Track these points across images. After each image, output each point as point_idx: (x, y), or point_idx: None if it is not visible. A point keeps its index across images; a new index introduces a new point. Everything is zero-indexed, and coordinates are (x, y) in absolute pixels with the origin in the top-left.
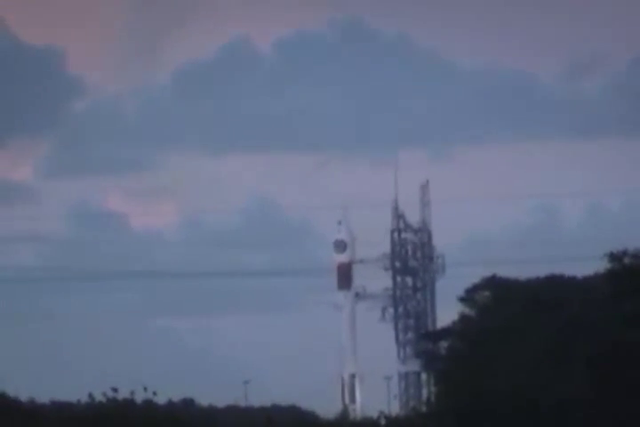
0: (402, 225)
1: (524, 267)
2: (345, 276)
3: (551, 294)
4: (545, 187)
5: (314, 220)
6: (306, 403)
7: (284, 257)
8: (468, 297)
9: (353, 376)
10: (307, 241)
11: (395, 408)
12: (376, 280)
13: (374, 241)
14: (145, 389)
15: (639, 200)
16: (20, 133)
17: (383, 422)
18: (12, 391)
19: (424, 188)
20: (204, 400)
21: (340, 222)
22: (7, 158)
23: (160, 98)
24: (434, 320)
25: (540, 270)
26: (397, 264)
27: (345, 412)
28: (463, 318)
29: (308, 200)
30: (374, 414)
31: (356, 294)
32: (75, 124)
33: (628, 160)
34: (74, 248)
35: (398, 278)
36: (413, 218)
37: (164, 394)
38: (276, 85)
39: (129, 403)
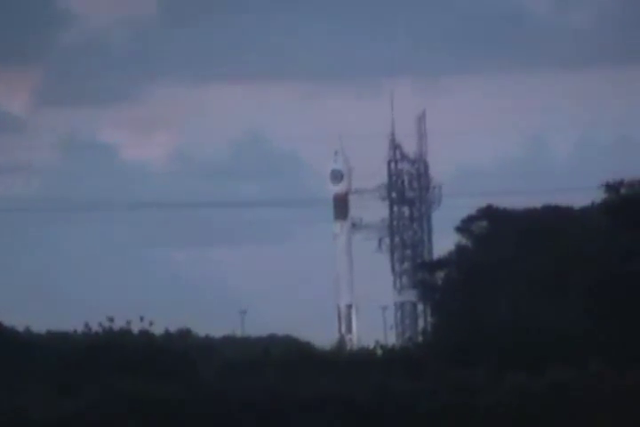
0: (398, 155)
1: (520, 198)
2: (342, 206)
3: (548, 224)
4: (538, 118)
5: (307, 150)
6: (302, 333)
7: (279, 188)
8: (465, 227)
9: (349, 306)
10: (301, 172)
11: (391, 338)
12: (373, 210)
13: (370, 172)
14: (141, 319)
15: (630, 131)
16: (10, 64)
17: (379, 351)
18: (7, 322)
19: (420, 118)
20: (200, 331)
21: (336, 152)
22: None
23: (148, 28)
24: (430, 250)
25: (536, 201)
26: (394, 194)
27: (341, 342)
28: (459, 249)
29: (300, 131)
30: (370, 344)
31: (353, 225)
32: (64, 55)
33: (619, 91)
34: (65, 179)
35: (395, 209)
36: (410, 148)
37: (161, 324)
38: (262, 14)
39: (125, 333)
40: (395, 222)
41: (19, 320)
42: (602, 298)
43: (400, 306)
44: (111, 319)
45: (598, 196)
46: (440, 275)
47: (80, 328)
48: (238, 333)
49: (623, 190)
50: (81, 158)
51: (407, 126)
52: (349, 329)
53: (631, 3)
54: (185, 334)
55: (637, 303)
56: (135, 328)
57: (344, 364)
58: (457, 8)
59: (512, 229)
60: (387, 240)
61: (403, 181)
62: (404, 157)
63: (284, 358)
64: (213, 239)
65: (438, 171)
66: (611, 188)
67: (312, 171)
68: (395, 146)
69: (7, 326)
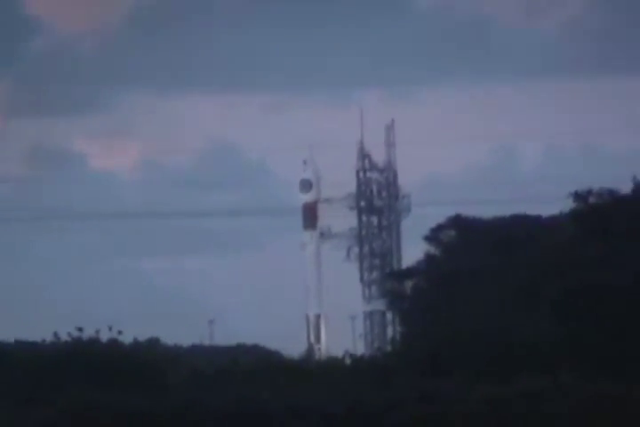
0: (367, 165)
1: (488, 207)
2: (310, 215)
3: (517, 233)
4: (506, 128)
5: (276, 160)
6: (271, 342)
7: (248, 197)
8: (434, 236)
9: (318, 316)
10: (270, 181)
11: (360, 348)
12: (341, 220)
13: (339, 181)
14: (110, 328)
15: (598, 141)
16: None
17: (348, 361)
18: None
19: (389, 127)
20: (169, 340)
21: (305, 162)
22: None
23: (117, 38)
24: (399, 260)
25: (504, 210)
26: (363, 204)
27: (310, 351)
28: (428, 258)
29: (269, 141)
30: (339, 354)
31: (321, 234)
32: (31, 65)
33: (587, 100)
34: (33, 188)
35: (364, 218)
36: (378, 158)
37: (129, 333)
38: (231, 26)
39: (94, 342)
40: (363, 231)
41: None
42: (572, 307)
43: (369, 315)
44: (80, 329)
45: (567, 205)
46: (409, 284)
47: (49, 338)
48: (207, 342)
49: (591, 199)
50: (49, 168)
51: (376, 136)
52: (318, 339)
53: (600, 13)
54: (154, 344)
55: (607, 313)
56: (104, 337)
57: (313, 373)
58: (425, 19)
59: (481, 238)
60: (355, 249)
61: (371, 191)
62: (372, 166)
63: (252, 368)
64: (182, 249)
65: (407, 180)
66: (579, 197)
67: (281, 180)
68: (363, 155)
69: None
